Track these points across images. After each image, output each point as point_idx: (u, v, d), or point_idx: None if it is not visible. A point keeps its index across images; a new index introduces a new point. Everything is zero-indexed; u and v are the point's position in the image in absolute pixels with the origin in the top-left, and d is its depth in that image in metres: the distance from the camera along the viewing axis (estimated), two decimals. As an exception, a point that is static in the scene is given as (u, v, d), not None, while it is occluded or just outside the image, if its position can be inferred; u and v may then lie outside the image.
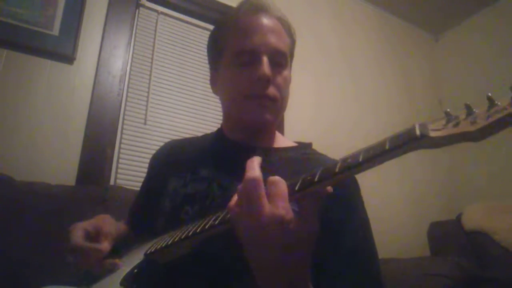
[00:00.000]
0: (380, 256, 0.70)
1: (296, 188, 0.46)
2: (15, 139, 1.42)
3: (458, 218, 2.13)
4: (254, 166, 0.48)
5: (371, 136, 2.48)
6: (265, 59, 0.73)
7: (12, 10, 1.50)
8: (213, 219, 0.53)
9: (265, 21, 0.77)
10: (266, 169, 0.75)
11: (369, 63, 2.57)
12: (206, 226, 0.53)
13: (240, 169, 0.74)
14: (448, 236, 2.12)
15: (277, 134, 0.88)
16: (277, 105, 0.76)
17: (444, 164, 2.58)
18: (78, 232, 0.70)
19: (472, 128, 0.34)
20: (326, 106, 2.29)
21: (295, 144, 0.85)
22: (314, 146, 0.86)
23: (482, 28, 2.65)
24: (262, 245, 0.45)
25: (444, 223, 2.22)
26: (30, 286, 1.00)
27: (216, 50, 0.83)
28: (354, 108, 2.40)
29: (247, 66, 0.75)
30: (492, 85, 2.43)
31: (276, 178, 0.47)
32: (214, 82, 0.86)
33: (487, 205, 2.09)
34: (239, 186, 0.48)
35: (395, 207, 2.28)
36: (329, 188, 0.47)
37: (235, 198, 0.49)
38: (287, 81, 0.79)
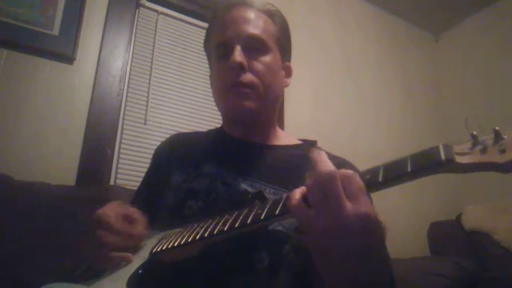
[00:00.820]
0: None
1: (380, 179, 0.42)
2: (15, 139, 1.42)
3: (458, 218, 2.13)
4: (325, 160, 0.42)
5: (371, 136, 2.48)
6: (237, 47, 0.73)
7: (12, 10, 1.50)
8: (221, 223, 0.53)
9: (240, 13, 0.78)
10: (266, 167, 0.76)
11: (369, 63, 2.57)
12: (215, 231, 0.52)
13: (242, 165, 0.75)
14: (448, 236, 2.12)
15: (281, 131, 0.87)
16: (258, 91, 0.75)
17: (444, 164, 2.58)
18: (113, 216, 0.64)
19: (501, 160, 0.32)
20: (326, 106, 2.29)
21: (299, 142, 0.85)
22: (315, 146, 0.86)
23: (482, 28, 2.65)
24: (345, 248, 0.40)
25: (444, 223, 2.22)
26: (30, 285, 1.00)
27: (206, 49, 0.87)
28: (353, 108, 2.40)
29: (223, 59, 0.76)
30: (492, 85, 2.43)
31: (350, 172, 0.41)
32: (211, 81, 0.87)
33: (487, 205, 2.09)
34: (310, 183, 0.42)
35: (395, 207, 2.28)
36: None
37: (297, 196, 0.43)
38: (269, 66, 0.77)
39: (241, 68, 0.73)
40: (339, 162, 0.74)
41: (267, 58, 0.77)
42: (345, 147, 2.12)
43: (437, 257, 1.96)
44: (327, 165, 0.42)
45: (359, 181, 0.41)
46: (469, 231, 2.01)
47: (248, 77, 0.73)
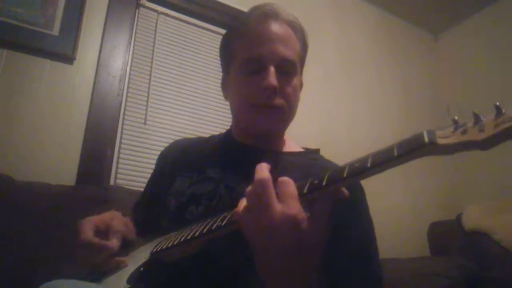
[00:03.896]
0: (380, 256, 0.71)
1: (304, 191, 0.46)
2: (15, 139, 1.42)
3: (458, 218, 2.13)
4: (263, 169, 0.48)
5: (370, 136, 2.48)
6: (271, 69, 0.73)
7: (12, 10, 1.50)
8: (219, 220, 0.54)
9: (274, 28, 0.77)
10: (273, 173, 0.76)
11: (368, 62, 2.57)
12: (213, 227, 0.53)
13: (247, 171, 0.75)
14: (448, 236, 2.12)
15: (287, 139, 0.88)
16: (284, 114, 0.77)
17: (444, 164, 2.58)
18: (88, 227, 0.69)
19: (479, 137, 0.35)
20: (324, 106, 2.28)
21: (302, 150, 0.86)
22: (311, 146, 0.87)
23: (482, 28, 2.65)
24: (274, 247, 0.44)
25: (444, 223, 2.22)
26: (30, 286, 1.00)
27: (227, 54, 0.84)
28: (351, 108, 2.40)
29: (254, 75, 0.75)
30: (491, 85, 2.43)
31: (285, 178, 0.47)
32: (225, 85, 0.86)
33: (487, 205, 2.09)
34: (248, 189, 0.47)
35: (395, 207, 2.28)
36: (345, 192, 0.47)
37: (243, 202, 0.48)
38: (296, 89, 0.79)
39: (274, 92, 0.73)
40: (325, 165, 0.78)
41: (294, 81, 0.78)
42: (342, 147, 2.13)
43: (437, 257, 1.96)
44: (262, 173, 0.47)
45: (292, 187, 0.46)
46: (469, 231, 2.01)
47: (279, 101, 0.75)
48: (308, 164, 0.79)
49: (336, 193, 0.46)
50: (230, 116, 0.91)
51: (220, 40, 0.89)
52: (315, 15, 2.40)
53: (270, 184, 0.46)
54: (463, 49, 2.76)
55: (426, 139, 0.37)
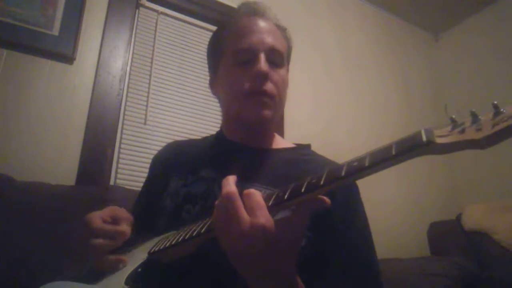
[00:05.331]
0: (380, 256, 0.72)
1: (302, 189, 0.46)
2: (15, 139, 1.42)
3: (458, 218, 2.13)
4: (229, 183, 0.50)
5: (370, 136, 2.48)
6: (262, 56, 0.75)
7: (12, 10, 1.50)
8: (202, 224, 0.55)
9: (262, 23, 0.80)
10: (264, 170, 0.76)
11: (368, 63, 2.57)
12: (202, 230, 0.55)
13: (240, 169, 0.75)
14: (448, 236, 2.12)
15: (276, 135, 0.89)
16: (275, 101, 0.78)
17: (444, 164, 2.58)
18: (96, 218, 0.68)
19: (477, 136, 0.34)
20: (325, 106, 2.28)
21: (293, 145, 0.86)
22: (313, 146, 0.87)
23: (482, 28, 2.65)
24: (247, 254, 0.47)
25: (444, 223, 2.22)
26: (30, 286, 1.00)
27: (216, 52, 0.85)
28: (352, 108, 2.40)
29: (245, 65, 0.76)
30: (492, 85, 2.43)
31: (251, 190, 0.49)
32: (213, 84, 0.88)
33: (487, 205, 2.09)
34: (216, 203, 0.50)
35: (395, 207, 2.28)
36: (327, 201, 0.48)
37: (215, 213, 0.51)
38: (284, 80, 0.81)
39: (265, 77, 0.74)
40: (325, 163, 0.78)
41: (282, 72, 0.80)
42: (342, 146, 2.12)
43: (437, 257, 1.96)
44: (229, 187, 0.49)
45: (257, 197, 0.48)
46: (469, 231, 2.01)
47: (270, 86, 0.76)
48: (299, 160, 0.79)
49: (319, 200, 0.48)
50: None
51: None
52: (315, 15, 2.40)
53: (236, 197, 0.48)
54: (464, 48, 2.76)
55: (424, 138, 0.37)
